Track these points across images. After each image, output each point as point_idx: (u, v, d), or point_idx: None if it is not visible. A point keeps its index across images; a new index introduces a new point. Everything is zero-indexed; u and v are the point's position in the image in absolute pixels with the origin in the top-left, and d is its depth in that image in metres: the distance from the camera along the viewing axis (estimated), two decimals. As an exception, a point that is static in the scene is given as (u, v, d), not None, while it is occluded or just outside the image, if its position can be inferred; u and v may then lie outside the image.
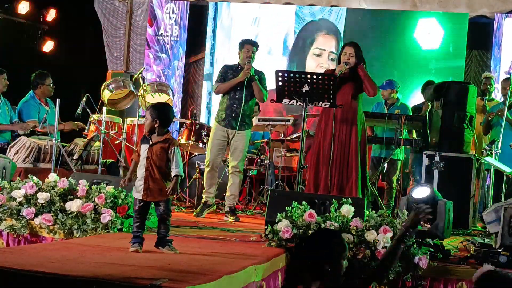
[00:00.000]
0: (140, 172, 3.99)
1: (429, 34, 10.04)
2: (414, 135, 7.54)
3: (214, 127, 6.46)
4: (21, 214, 4.81)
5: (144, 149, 4.00)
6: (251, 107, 6.47)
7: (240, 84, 6.30)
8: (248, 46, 6.40)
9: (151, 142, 4.00)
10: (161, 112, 4.04)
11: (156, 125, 4.00)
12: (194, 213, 6.33)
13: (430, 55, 10.07)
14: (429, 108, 7.19)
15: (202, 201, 6.44)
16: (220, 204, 6.97)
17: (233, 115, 6.33)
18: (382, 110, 7.74)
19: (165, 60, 10.60)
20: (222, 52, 10.48)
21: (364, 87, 5.91)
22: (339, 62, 6.00)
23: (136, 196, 4.00)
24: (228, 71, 6.44)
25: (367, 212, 4.56)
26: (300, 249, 3.16)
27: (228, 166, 6.55)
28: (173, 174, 3.97)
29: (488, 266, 3.31)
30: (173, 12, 10.58)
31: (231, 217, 6.23)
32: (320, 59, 10.37)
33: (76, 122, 7.06)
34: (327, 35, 10.43)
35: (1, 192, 4.94)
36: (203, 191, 6.47)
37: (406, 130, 7.27)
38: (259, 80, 6.40)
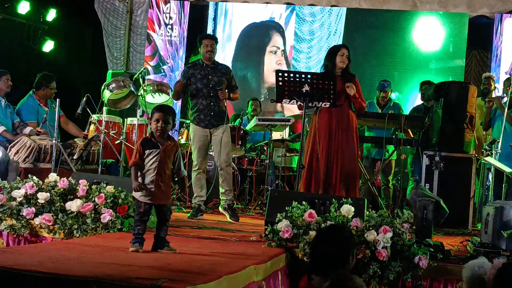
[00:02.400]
0: (149, 176, 3.94)
1: (429, 34, 10.04)
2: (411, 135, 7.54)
3: (193, 129, 6.35)
4: (21, 214, 4.81)
5: (154, 153, 3.94)
6: (224, 102, 6.41)
7: (210, 82, 6.27)
8: (207, 41, 6.34)
9: (162, 146, 3.97)
10: (174, 115, 4.08)
11: (171, 129, 4.05)
12: (188, 215, 6.26)
13: (430, 55, 10.08)
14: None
15: (194, 205, 6.36)
16: (218, 204, 6.91)
17: (212, 113, 6.28)
18: (375, 110, 7.73)
19: (167, 70, 10.62)
20: (223, 51, 10.48)
21: (353, 102, 5.86)
22: (332, 61, 5.87)
23: (144, 200, 3.96)
24: (194, 72, 6.34)
25: (367, 212, 4.56)
26: (315, 248, 3.14)
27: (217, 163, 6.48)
28: (182, 175, 4.09)
29: (501, 260, 3.26)
30: (173, 12, 10.59)
31: (231, 218, 6.19)
32: (276, 56, 10.62)
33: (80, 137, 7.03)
34: (276, 34, 10.66)
35: (1, 192, 4.94)
36: (193, 196, 6.40)
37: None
38: (230, 79, 6.39)
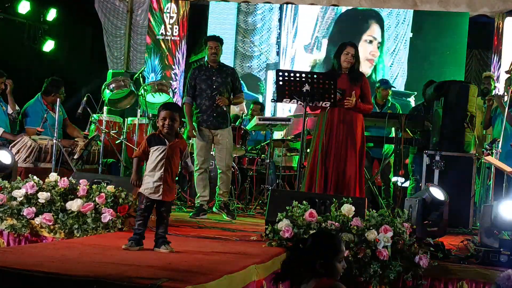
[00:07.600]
0: (158, 173, 3.95)
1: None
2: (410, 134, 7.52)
3: (196, 129, 6.38)
4: (21, 213, 4.81)
5: (161, 149, 3.96)
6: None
7: (214, 83, 6.30)
8: (211, 43, 6.35)
9: (168, 143, 3.98)
10: (181, 112, 4.13)
11: (178, 126, 4.06)
12: (190, 215, 6.29)
13: (431, 54, 10.06)
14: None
15: (197, 204, 6.39)
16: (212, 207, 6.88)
17: (215, 114, 6.31)
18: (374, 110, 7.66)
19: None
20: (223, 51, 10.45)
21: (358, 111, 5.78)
22: (338, 59, 5.78)
23: (152, 197, 3.96)
24: (200, 73, 6.36)
25: (368, 212, 4.56)
26: (296, 247, 3.14)
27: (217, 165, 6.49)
28: (190, 170, 4.23)
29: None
30: (173, 12, 10.58)
31: (227, 216, 6.22)
32: (371, 46, 10.25)
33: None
34: (375, 24, 10.30)
35: (2, 192, 4.94)
36: (197, 196, 6.41)
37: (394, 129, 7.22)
38: (234, 80, 6.41)
